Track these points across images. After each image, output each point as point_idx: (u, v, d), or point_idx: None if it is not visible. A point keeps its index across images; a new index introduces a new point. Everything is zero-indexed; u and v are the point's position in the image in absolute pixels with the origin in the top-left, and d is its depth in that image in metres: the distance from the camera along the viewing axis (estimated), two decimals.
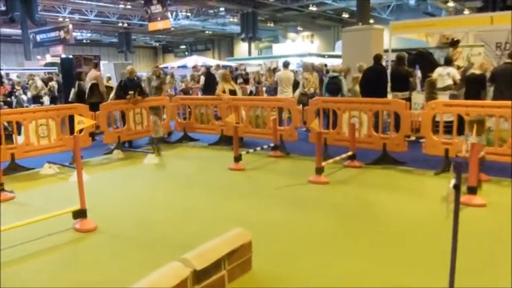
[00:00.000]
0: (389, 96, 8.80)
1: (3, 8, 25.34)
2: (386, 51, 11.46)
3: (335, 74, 9.65)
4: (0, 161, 6.08)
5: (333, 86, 9.44)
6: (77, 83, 9.96)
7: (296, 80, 11.49)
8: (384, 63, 10.15)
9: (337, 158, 6.66)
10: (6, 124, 7.16)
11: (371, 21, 25.84)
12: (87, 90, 9.79)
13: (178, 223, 4.61)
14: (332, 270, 3.41)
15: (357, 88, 9.40)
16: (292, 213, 4.78)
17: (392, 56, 10.44)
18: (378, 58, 8.95)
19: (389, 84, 9.05)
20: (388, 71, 9.40)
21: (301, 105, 8.21)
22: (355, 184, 5.95)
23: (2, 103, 11.61)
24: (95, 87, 9.83)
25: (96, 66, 11.21)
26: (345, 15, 33.07)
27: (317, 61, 17.75)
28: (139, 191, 5.93)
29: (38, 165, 7.09)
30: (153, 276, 2.72)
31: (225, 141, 8.73)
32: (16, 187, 5.96)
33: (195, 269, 2.89)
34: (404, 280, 3.19)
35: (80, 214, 4.44)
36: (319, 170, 5.96)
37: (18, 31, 29.66)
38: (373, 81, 8.61)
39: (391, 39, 11.45)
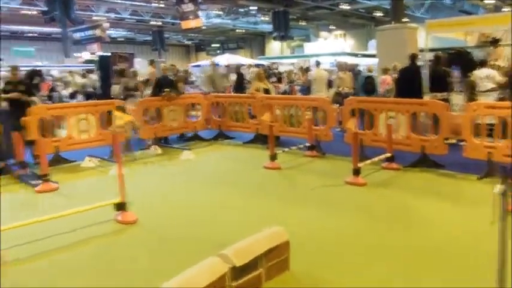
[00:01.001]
0: (427, 97, 8.60)
1: (44, 8, 26.31)
2: (421, 50, 11.19)
3: (370, 74, 9.52)
4: (47, 153, 6.30)
5: (369, 86, 9.32)
6: (122, 79, 10.24)
7: (330, 80, 11.40)
8: (420, 63, 9.91)
9: (375, 159, 6.55)
10: (50, 118, 7.43)
11: (405, 19, 25.29)
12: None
13: (214, 220, 4.66)
14: (368, 274, 3.36)
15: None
16: (328, 214, 4.75)
17: (429, 56, 10.18)
18: (413, 57, 8.76)
19: (427, 85, 8.83)
20: (425, 71, 9.18)
21: (337, 105, 8.14)
22: (393, 187, 5.84)
23: (45, 98, 12.03)
24: (148, 82, 10.43)
25: (152, 63, 11.99)
26: (378, 14, 32.45)
27: (350, 60, 17.49)
28: (176, 187, 6.04)
29: (79, 158, 7.32)
30: (193, 271, 2.76)
31: (260, 139, 8.75)
32: (60, 178, 6.18)
33: (234, 265, 2.91)
34: None
35: (121, 206, 4.56)
36: (357, 171, 5.89)
37: (58, 30, 30.64)
38: (409, 81, 8.42)
39: (427, 38, 11.18)
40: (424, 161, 6.64)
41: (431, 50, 10.79)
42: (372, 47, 23.37)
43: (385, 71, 10.28)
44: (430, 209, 4.89)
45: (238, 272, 2.94)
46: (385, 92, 9.44)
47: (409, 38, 11.91)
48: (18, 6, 27.85)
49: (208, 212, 4.92)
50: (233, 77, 14.95)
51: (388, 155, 6.67)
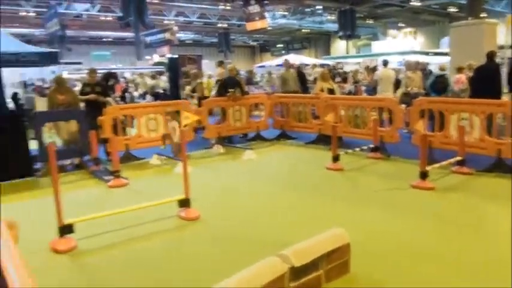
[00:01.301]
0: (506, 97, 8.00)
1: (120, 14, 28.01)
2: (501, 47, 10.42)
3: (442, 72, 9.04)
4: (118, 151, 6.67)
5: (440, 85, 8.85)
6: (196, 81, 10.67)
7: (397, 79, 10.99)
8: (498, 61, 9.25)
9: (444, 162, 6.20)
10: (122, 118, 7.87)
11: (482, 15, 23.71)
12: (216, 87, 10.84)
13: (275, 219, 4.67)
14: (431, 281, 3.20)
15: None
16: (392, 218, 4.58)
17: (509, 53, 9.45)
18: (491, 55, 8.18)
19: (505, 85, 8.22)
20: (504, 70, 8.54)
21: (403, 106, 7.82)
22: (464, 192, 5.49)
23: (118, 99, 12.78)
24: (218, 82, 10.79)
25: (221, 64, 12.55)
26: (452, 9, 30.73)
27: (421, 59, 16.74)
28: (238, 186, 6.13)
29: (148, 155, 7.67)
30: (252, 269, 2.78)
31: (322, 140, 8.64)
32: (129, 174, 6.53)
33: (293, 266, 2.90)
34: None
35: (184, 203, 4.71)
36: (424, 175, 5.61)
37: (132, 34, 32.39)
38: (486, 81, 7.88)
39: (508, 34, 10.39)
40: (500, 166, 6.17)
41: None
42: (445, 44, 22.22)
43: (459, 69, 9.70)
44: (503, 217, 4.52)
45: (297, 272, 2.93)
46: (460, 91, 8.91)
47: (487, 35, 11.14)
48: (97, 13, 29.81)
49: (269, 212, 4.94)
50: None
51: (459, 158, 6.28)
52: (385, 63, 11.00)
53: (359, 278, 3.27)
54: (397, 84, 10.64)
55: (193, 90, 10.45)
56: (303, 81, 12.41)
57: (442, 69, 10.18)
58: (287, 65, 11.76)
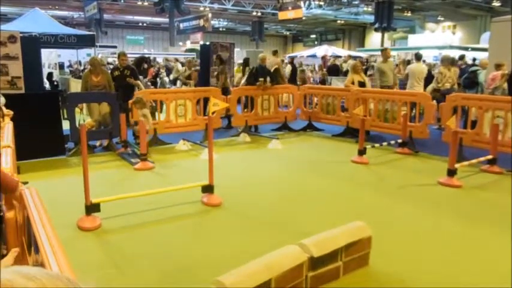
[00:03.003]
0: None
1: (156, 0, 28.35)
2: None
3: (474, 68, 8.76)
4: (146, 135, 6.80)
5: (469, 80, 8.62)
6: (247, 68, 10.80)
7: (432, 74, 10.69)
8: None
9: (474, 161, 6.04)
10: (152, 102, 8.01)
11: None
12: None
13: (298, 209, 4.67)
14: (453, 280, 3.14)
15: (506, 86, 8.37)
16: (416, 214, 4.50)
17: None
18: None
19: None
20: None
21: (434, 102, 7.63)
22: (493, 191, 5.34)
23: (149, 83, 12.98)
24: (277, 71, 11.01)
25: (276, 53, 12.69)
26: (496, 3, 29.50)
27: (458, 54, 16.21)
28: (262, 174, 6.15)
29: (174, 141, 7.79)
30: (271, 256, 2.81)
31: (350, 133, 8.55)
32: (156, 158, 6.65)
33: (312, 256, 2.91)
34: None
35: (208, 189, 4.78)
36: (452, 172, 5.47)
37: (166, 20, 32.74)
38: None
39: None
40: None
41: None
42: (485, 40, 21.39)
43: (498, 66, 9.33)
44: None
45: (316, 262, 2.95)
46: (493, 90, 8.61)
47: None
48: None
49: (291, 201, 4.95)
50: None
51: (490, 157, 6.09)
52: (419, 57, 10.68)
53: (377, 272, 3.25)
54: (430, 79, 10.35)
55: (189, 77, 10.46)
56: (293, 74, 12.61)
57: (481, 65, 9.83)
58: (386, 55, 9.92)
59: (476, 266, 3.39)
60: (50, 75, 13.32)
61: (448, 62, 10.10)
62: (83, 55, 20.00)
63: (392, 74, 9.69)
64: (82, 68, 17.60)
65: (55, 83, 13.06)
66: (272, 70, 11.24)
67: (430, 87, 9.85)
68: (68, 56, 19.67)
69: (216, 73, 10.30)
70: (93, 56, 9.25)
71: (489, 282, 3.13)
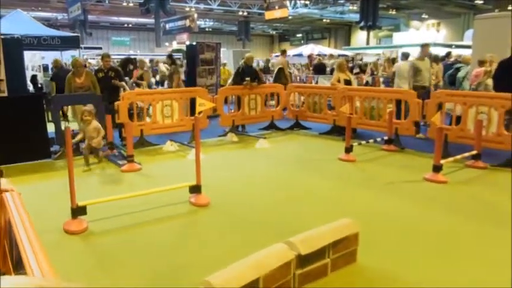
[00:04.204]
0: None
1: (141, 0, 28.14)
2: None
3: (459, 65, 8.91)
4: (133, 136, 6.75)
5: (452, 77, 8.77)
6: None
7: None
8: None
9: (458, 156, 6.12)
10: (141, 104, 7.95)
11: (510, 7, 23.05)
12: (274, 73, 11.77)
13: (285, 207, 4.68)
14: (442, 274, 3.18)
15: (489, 82, 8.50)
16: (403, 210, 4.55)
17: None
18: None
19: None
20: None
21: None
22: (478, 186, 5.42)
23: (135, 84, 12.87)
24: (281, 71, 11.35)
25: (284, 53, 12.88)
26: (479, 1, 29.96)
27: (443, 52, 16.39)
28: (249, 173, 6.15)
29: (161, 142, 7.75)
30: (259, 255, 2.81)
31: (337, 131, 8.60)
32: (143, 160, 6.61)
33: (299, 253, 2.92)
34: None
35: (195, 189, 4.76)
36: (437, 168, 5.54)
37: (152, 20, 32.55)
38: (510, 75, 7.66)
39: None
40: None
41: None
42: (468, 37, 21.68)
43: (481, 63, 9.47)
44: None
45: (304, 260, 2.96)
46: (477, 85, 8.75)
47: None
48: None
49: (279, 200, 4.95)
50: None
51: (474, 152, 6.18)
52: (406, 56, 10.80)
53: (365, 268, 3.27)
54: None
55: (141, 78, 10.38)
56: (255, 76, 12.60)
57: (464, 61, 9.97)
58: (425, 51, 9.06)
59: (463, 259, 3.43)
60: (33, 77, 13.13)
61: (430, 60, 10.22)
62: (68, 57, 19.74)
63: (429, 73, 8.85)
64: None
65: (39, 85, 12.88)
66: (276, 70, 11.42)
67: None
68: (52, 58, 19.33)
69: (168, 73, 10.12)
70: (74, 58, 9.15)
71: (476, 275, 3.17)
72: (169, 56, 10.38)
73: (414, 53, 14.02)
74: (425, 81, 8.58)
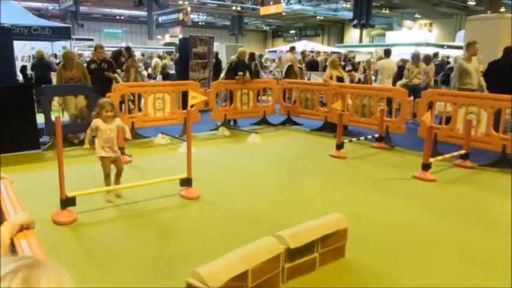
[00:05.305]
0: None
1: None
2: None
3: (452, 65, 9.00)
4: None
5: (446, 77, 8.87)
6: (253, 63, 10.77)
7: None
8: None
9: (447, 155, 6.20)
10: (130, 96, 7.90)
11: (502, 9, 23.28)
12: (284, 70, 11.87)
13: (275, 202, 4.71)
14: (430, 271, 3.22)
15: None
16: (392, 207, 4.60)
17: None
18: (509, 50, 8.02)
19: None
20: None
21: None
22: (465, 185, 5.50)
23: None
24: (291, 67, 11.43)
25: (292, 50, 12.96)
26: (471, 2, 30.19)
27: (434, 52, 16.53)
28: (241, 167, 6.17)
29: (153, 134, 7.72)
30: (248, 248, 2.83)
31: (328, 128, 8.64)
32: (133, 152, 6.57)
33: (288, 247, 2.94)
34: None
35: (186, 182, 4.76)
36: (426, 166, 5.61)
37: (144, 13, 32.28)
38: (501, 76, 7.72)
39: None
40: (503, 161, 6.14)
41: None
42: (460, 38, 21.87)
43: None
44: (503, 210, 4.54)
45: (293, 253, 2.98)
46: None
47: (505, 30, 10.92)
48: None
49: (270, 193, 4.99)
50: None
51: (463, 152, 6.26)
52: (387, 52, 10.84)
53: (353, 263, 3.31)
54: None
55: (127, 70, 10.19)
56: (217, 68, 12.63)
57: (454, 61, 10.07)
58: (474, 51, 7.83)
59: (448, 256, 3.48)
60: (23, 68, 12.98)
61: (417, 59, 10.32)
62: (59, 48, 19.53)
63: (477, 74, 7.84)
64: (58, 61, 17.22)
65: (29, 76, 12.74)
66: (286, 67, 11.45)
67: (399, 83, 10.05)
68: (41, 48, 19.16)
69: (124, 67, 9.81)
70: (66, 50, 9.04)
71: (461, 271, 3.22)
72: (127, 49, 10.18)
73: (407, 51, 14.05)
74: (474, 84, 7.65)
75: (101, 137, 4.43)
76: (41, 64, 11.56)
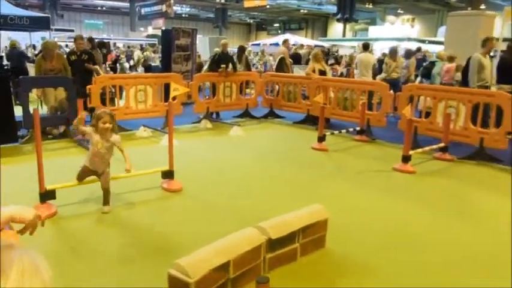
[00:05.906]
0: (494, 88, 8.06)
1: None
2: (504, 40, 10.41)
3: (434, 60, 9.15)
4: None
5: (426, 71, 9.06)
6: (244, 55, 10.69)
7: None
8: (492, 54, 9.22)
9: (427, 148, 6.32)
10: (111, 88, 7.79)
11: (482, 6, 23.64)
12: (276, 62, 11.87)
13: (258, 195, 4.73)
14: (410, 262, 3.29)
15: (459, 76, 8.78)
16: (372, 199, 4.67)
17: (504, 46, 9.45)
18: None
19: (495, 76, 8.24)
20: (496, 62, 8.57)
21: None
22: (444, 177, 5.61)
23: (108, 69, 12.63)
24: (283, 60, 11.36)
25: (285, 42, 12.86)
26: None
27: (416, 47, 16.72)
28: (223, 160, 6.16)
29: (134, 127, 7.64)
30: (230, 239, 2.85)
31: (310, 120, 8.69)
32: None
33: (270, 238, 2.97)
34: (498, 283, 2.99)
35: (168, 175, 4.74)
36: (406, 158, 5.71)
37: (126, 4, 31.77)
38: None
39: (504, 26, 10.40)
40: (481, 154, 6.30)
41: (506, 39, 10.04)
42: (442, 33, 22.19)
43: (451, 59, 9.74)
44: (480, 202, 4.69)
45: (274, 244, 3.01)
46: (449, 80, 9.02)
47: (484, 27, 11.12)
48: None
49: (251, 187, 5.00)
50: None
51: (442, 145, 6.38)
52: (366, 46, 10.94)
53: (333, 253, 3.36)
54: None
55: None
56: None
57: (438, 57, 10.21)
58: (489, 47, 7.58)
59: (427, 246, 3.56)
60: None
61: (395, 53, 10.46)
62: (37, 38, 19.10)
63: (490, 71, 7.73)
64: (36, 52, 16.86)
65: (5, 67, 12.43)
66: (278, 59, 11.40)
67: (379, 78, 10.16)
68: (19, 39, 18.70)
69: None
70: (46, 40, 8.83)
71: (439, 261, 3.30)
72: (90, 39, 9.96)
73: (389, 46, 14.19)
74: (488, 81, 7.56)
75: (91, 148, 4.08)
76: (14, 54, 11.31)
